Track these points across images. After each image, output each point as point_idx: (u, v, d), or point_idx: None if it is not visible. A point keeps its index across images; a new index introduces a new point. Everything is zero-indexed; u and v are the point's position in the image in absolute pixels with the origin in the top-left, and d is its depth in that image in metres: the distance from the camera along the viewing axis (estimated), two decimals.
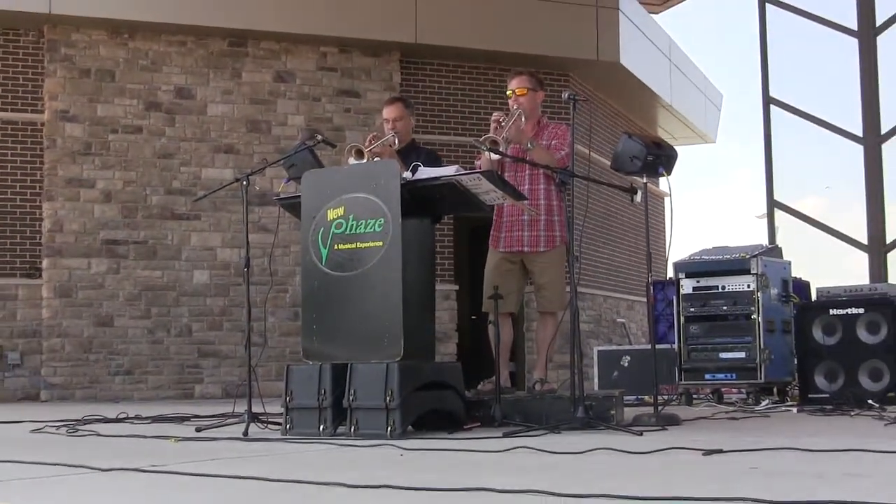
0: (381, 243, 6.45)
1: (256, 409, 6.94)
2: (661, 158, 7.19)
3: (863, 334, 9.67)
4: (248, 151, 15.36)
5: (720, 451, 4.73)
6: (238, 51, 15.59)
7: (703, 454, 4.68)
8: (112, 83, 15.00)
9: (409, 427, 6.43)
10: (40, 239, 14.67)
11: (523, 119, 7.90)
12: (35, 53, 14.98)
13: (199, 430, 6.87)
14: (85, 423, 7.57)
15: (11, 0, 14.42)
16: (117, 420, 8.10)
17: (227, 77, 15.50)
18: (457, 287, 16.20)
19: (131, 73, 15.12)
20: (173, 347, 14.91)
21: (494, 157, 7.52)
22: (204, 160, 15.24)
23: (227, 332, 15.08)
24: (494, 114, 7.83)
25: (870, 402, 8.62)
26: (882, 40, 14.44)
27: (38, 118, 14.84)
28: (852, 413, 8.00)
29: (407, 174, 6.72)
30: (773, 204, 14.79)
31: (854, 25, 14.63)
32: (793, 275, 10.66)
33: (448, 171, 6.89)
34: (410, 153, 7.91)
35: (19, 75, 14.96)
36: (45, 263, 14.58)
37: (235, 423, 7.00)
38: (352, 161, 7.40)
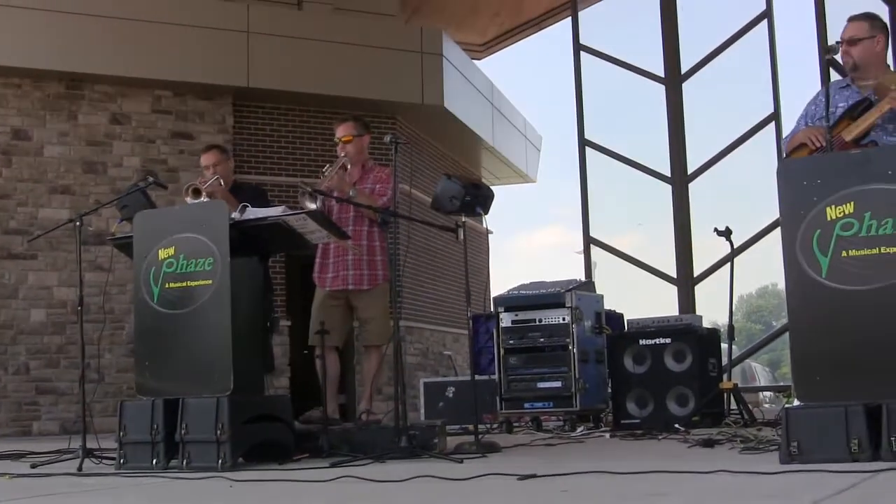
0: (210, 281, 6.50)
1: (92, 444, 6.86)
2: (478, 198, 7.48)
3: (670, 363, 9.95)
4: (84, 192, 15.25)
5: (534, 476, 4.85)
6: (74, 93, 15.51)
7: (518, 479, 4.80)
8: None
9: (240, 459, 6.44)
10: None
11: (348, 167, 8.18)
12: None
13: (33, 466, 6.79)
14: None
15: None
16: None
17: (63, 119, 15.39)
18: (289, 322, 16.19)
19: None
20: (11, 385, 14.70)
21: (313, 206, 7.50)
22: (41, 200, 15.09)
23: (64, 370, 14.91)
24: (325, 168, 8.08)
25: (676, 426, 8.85)
26: (687, 87, 15.03)
27: None
28: (660, 437, 8.24)
29: (235, 214, 6.79)
30: (589, 240, 15.15)
31: (662, 73, 15.22)
32: (608, 307, 10.90)
33: (275, 211, 7.03)
34: (236, 194, 8.13)
35: None
36: None
37: (71, 459, 6.94)
38: (189, 200, 7.61)
